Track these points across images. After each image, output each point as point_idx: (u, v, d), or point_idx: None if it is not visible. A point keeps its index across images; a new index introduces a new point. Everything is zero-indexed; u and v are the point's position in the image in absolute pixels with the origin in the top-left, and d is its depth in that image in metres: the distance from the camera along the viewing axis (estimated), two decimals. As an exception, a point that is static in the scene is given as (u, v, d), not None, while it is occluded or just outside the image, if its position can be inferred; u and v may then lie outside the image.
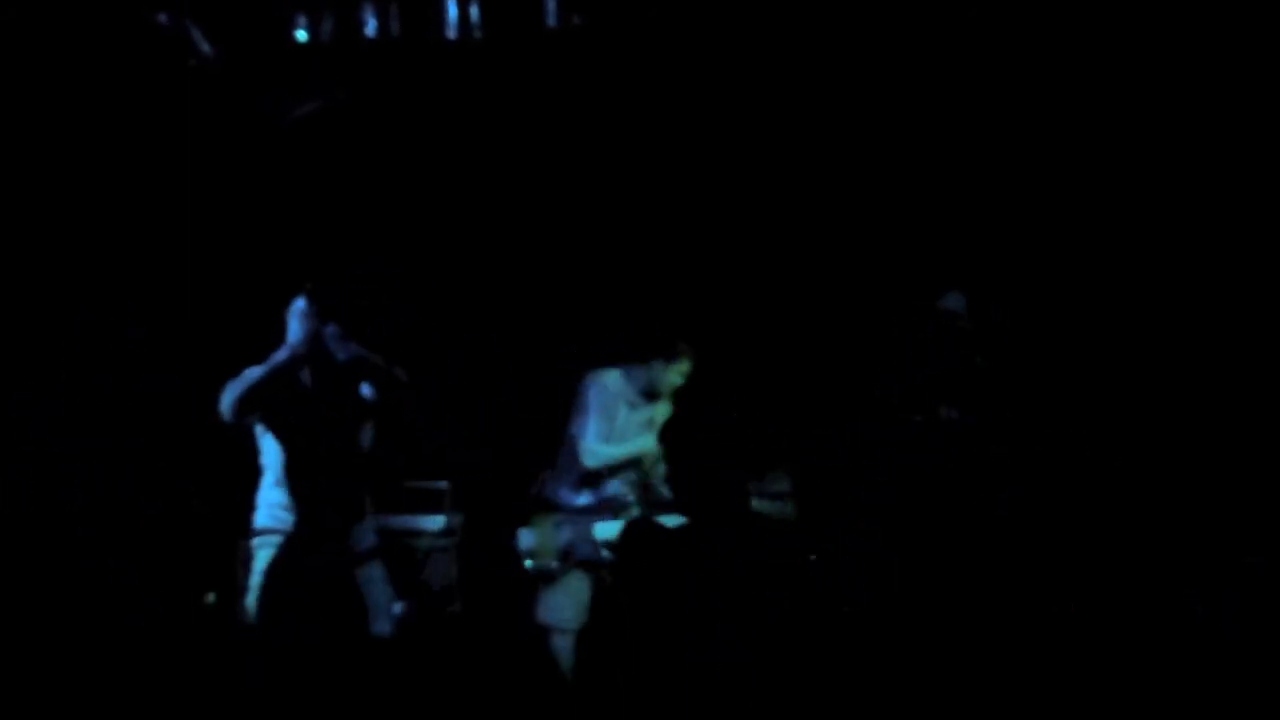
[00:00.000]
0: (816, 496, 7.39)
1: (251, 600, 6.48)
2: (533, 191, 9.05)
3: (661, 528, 6.83)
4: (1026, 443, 7.27)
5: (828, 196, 8.71)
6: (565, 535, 7.40)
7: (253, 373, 6.53)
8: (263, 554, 6.58)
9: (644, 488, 7.59)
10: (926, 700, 6.16)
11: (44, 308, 8.09)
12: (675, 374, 7.55)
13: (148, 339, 7.54)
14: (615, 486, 7.52)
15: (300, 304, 7.28)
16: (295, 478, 6.67)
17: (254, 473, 7.00)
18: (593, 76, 8.88)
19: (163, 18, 8.72)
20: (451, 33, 8.80)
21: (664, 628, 6.00)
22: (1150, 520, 7.05)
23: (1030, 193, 8.28)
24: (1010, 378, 7.46)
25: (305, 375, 7.22)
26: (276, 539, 6.52)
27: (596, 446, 7.46)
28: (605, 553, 7.29)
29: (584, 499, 7.53)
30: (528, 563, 7.44)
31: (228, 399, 6.48)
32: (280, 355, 7.27)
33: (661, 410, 7.69)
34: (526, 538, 7.46)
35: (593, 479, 7.55)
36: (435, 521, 8.41)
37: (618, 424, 7.56)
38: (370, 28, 8.83)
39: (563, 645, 7.20)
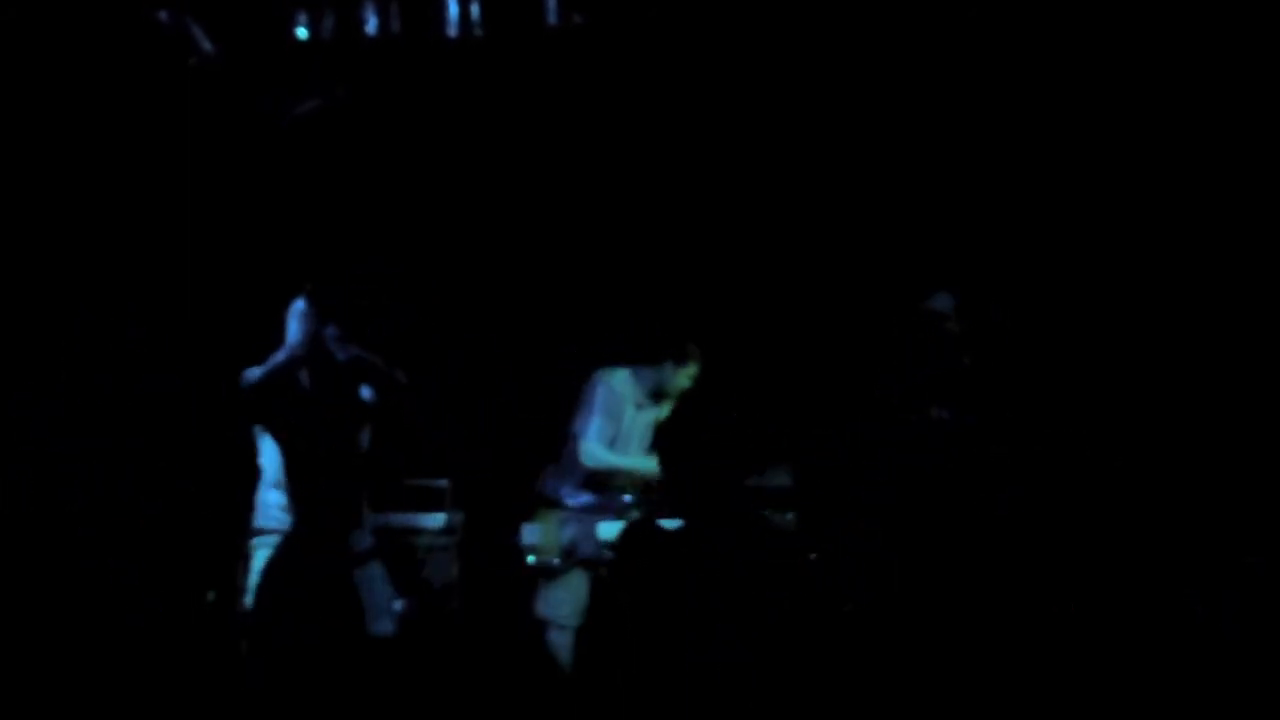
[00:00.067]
0: (816, 496, 7.39)
1: (250, 600, 6.48)
2: (533, 190, 9.05)
3: (661, 528, 6.84)
4: (1026, 443, 7.26)
5: (828, 195, 8.70)
6: (569, 533, 7.40)
7: (253, 373, 6.53)
8: (261, 554, 6.59)
9: (644, 488, 7.59)
10: (926, 700, 6.16)
11: (44, 308, 8.10)
12: (684, 376, 7.56)
13: (148, 339, 7.54)
14: (618, 491, 7.52)
15: (300, 305, 7.29)
16: (294, 479, 6.68)
17: (254, 472, 7.03)
18: (594, 75, 8.87)
19: (163, 16, 8.71)
20: (452, 31, 8.79)
21: (663, 627, 6.00)
22: (1150, 520, 7.05)
23: (1030, 193, 8.27)
24: (1010, 377, 7.46)
25: (304, 376, 7.24)
26: (275, 539, 6.52)
27: (597, 448, 7.46)
28: (608, 552, 7.29)
29: (586, 499, 7.53)
30: (530, 558, 7.43)
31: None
32: (279, 356, 7.28)
33: (667, 412, 7.70)
34: (530, 534, 7.45)
35: (595, 478, 7.55)
36: (436, 520, 8.42)
37: (624, 425, 7.56)
38: (371, 26, 8.83)
39: (561, 641, 7.21)
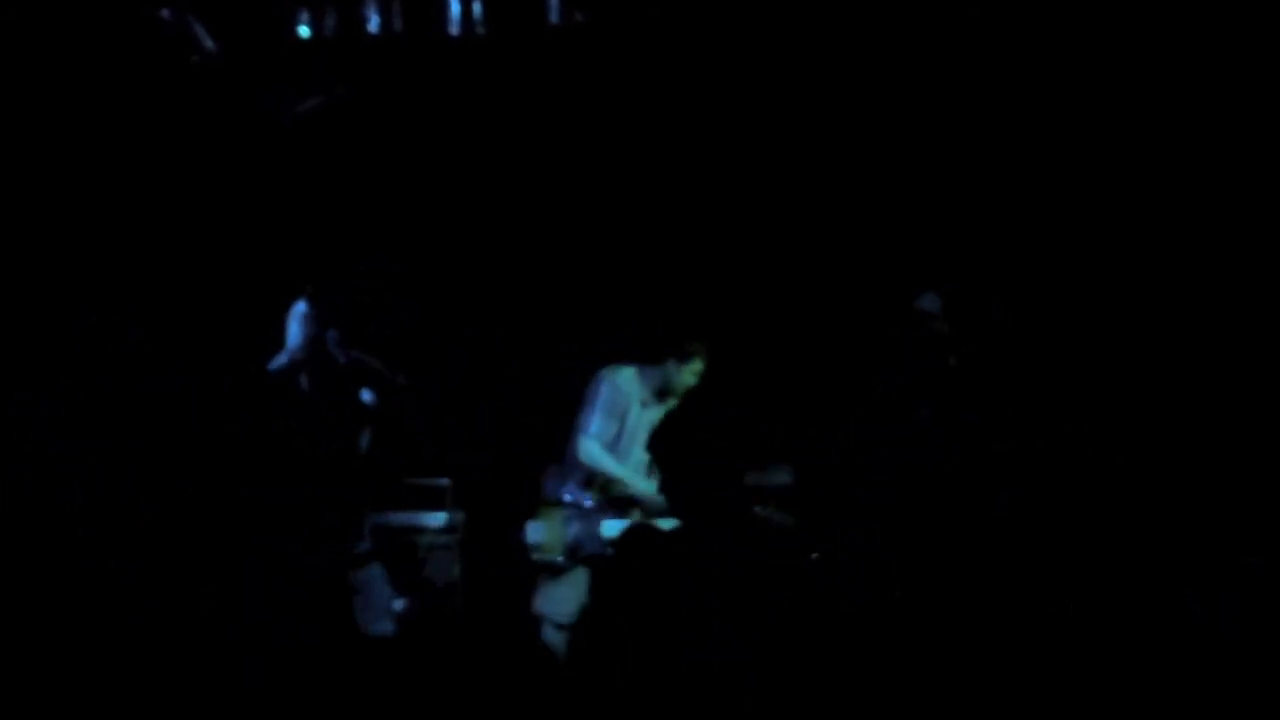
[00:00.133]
0: (816, 496, 7.39)
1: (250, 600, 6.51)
2: (535, 189, 9.04)
3: (660, 527, 6.84)
4: (1027, 442, 7.26)
5: (829, 195, 8.70)
6: (572, 530, 7.39)
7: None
8: None
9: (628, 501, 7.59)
10: (926, 700, 6.15)
11: (44, 308, 8.10)
12: (689, 374, 7.54)
13: (148, 339, 7.55)
14: (621, 489, 7.52)
15: (301, 307, 7.30)
16: (294, 479, 6.70)
17: (254, 471, 7.04)
18: (595, 74, 8.87)
19: (165, 14, 8.72)
20: (454, 29, 8.80)
21: (661, 626, 5.99)
22: (1150, 520, 7.04)
23: (1031, 192, 8.26)
24: (1011, 376, 7.46)
25: (304, 379, 7.26)
26: None
27: (595, 447, 7.45)
28: (611, 550, 7.29)
29: (589, 498, 7.52)
30: (534, 556, 7.43)
31: None
32: (280, 359, 7.30)
33: (672, 410, 7.70)
34: (534, 532, 7.44)
35: (596, 478, 7.55)
36: (437, 519, 8.42)
37: (628, 423, 7.55)
38: (373, 24, 8.83)
39: (560, 639, 7.21)
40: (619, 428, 7.51)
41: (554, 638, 7.25)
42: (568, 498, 7.47)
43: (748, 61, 8.54)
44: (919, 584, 6.90)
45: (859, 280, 8.47)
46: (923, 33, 8.30)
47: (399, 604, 7.72)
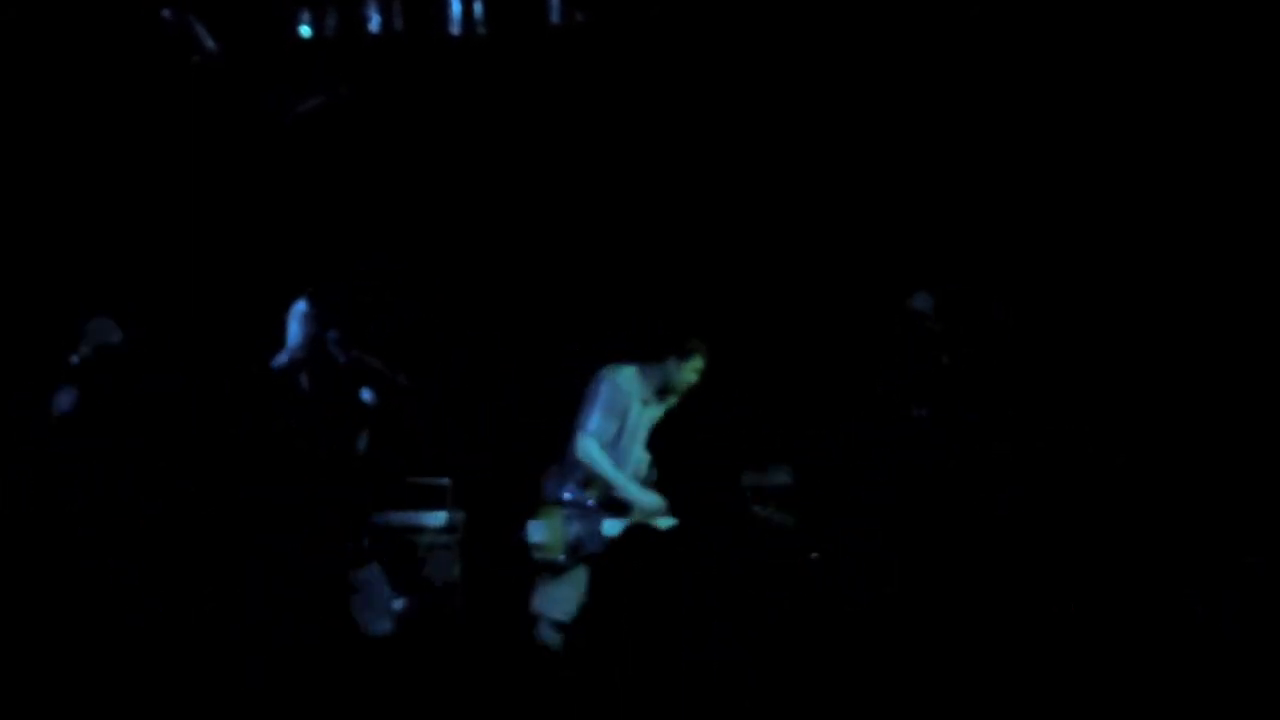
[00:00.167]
0: (816, 496, 7.39)
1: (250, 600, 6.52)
2: (536, 189, 9.05)
3: (659, 526, 6.84)
4: (1027, 441, 7.26)
5: (830, 194, 8.70)
6: (574, 529, 7.37)
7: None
8: None
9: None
10: (926, 700, 6.15)
11: (44, 307, 8.11)
12: (689, 371, 7.53)
13: (148, 339, 7.55)
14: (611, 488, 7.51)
15: (301, 306, 7.30)
16: (295, 479, 6.70)
17: (254, 471, 7.04)
18: (596, 73, 8.88)
19: (167, 13, 8.72)
20: (455, 29, 8.81)
21: (661, 626, 5.99)
22: (1150, 520, 7.04)
23: (1032, 191, 8.26)
24: (1011, 376, 7.46)
25: (304, 378, 7.26)
26: None
27: (593, 445, 7.43)
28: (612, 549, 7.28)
29: (590, 497, 7.52)
30: (536, 555, 7.42)
31: None
32: (280, 358, 7.30)
33: (672, 409, 7.69)
34: (536, 531, 7.43)
35: (596, 477, 7.54)
36: (437, 518, 8.42)
37: (629, 422, 7.54)
38: (374, 24, 8.84)
39: (558, 638, 7.21)
40: (619, 426, 7.50)
41: (552, 637, 7.24)
42: (568, 496, 7.46)
43: (747, 61, 8.53)
44: (919, 584, 6.90)
45: (859, 280, 8.46)
46: (922, 33, 8.30)
47: (399, 603, 7.73)
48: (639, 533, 6.47)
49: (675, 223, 8.86)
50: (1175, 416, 7.55)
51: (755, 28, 8.44)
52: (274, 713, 6.30)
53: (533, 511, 7.49)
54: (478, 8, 8.76)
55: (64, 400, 7.29)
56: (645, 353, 7.59)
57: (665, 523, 7.21)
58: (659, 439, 7.68)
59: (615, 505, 7.44)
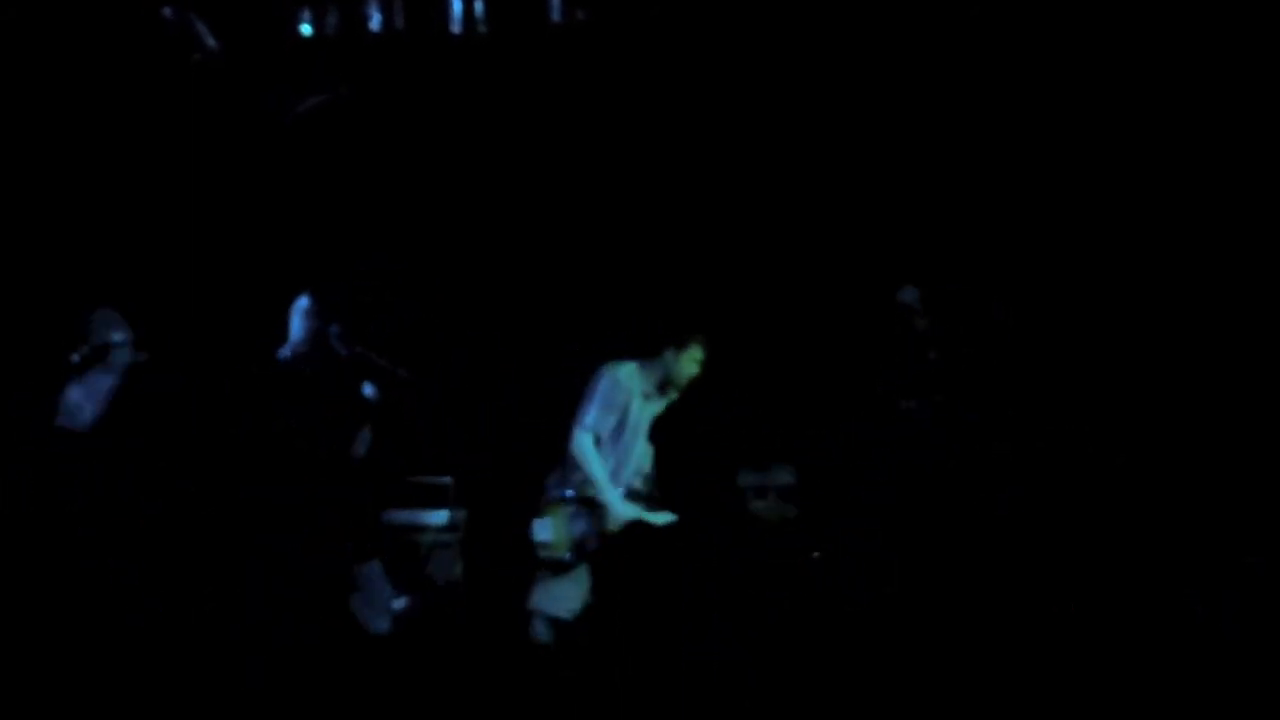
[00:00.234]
0: (817, 496, 7.39)
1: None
2: (537, 187, 9.04)
3: (659, 525, 6.85)
4: (1027, 441, 7.26)
5: (830, 193, 8.69)
6: (579, 527, 7.38)
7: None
8: None
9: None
10: (926, 700, 6.16)
11: (44, 307, 8.11)
12: (689, 363, 7.53)
13: (148, 339, 7.55)
14: (625, 484, 7.51)
15: (304, 302, 7.30)
16: (295, 477, 6.71)
17: (255, 470, 7.05)
18: (597, 72, 8.87)
19: (167, 12, 8.72)
20: (456, 28, 8.81)
21: (661, 625, 6.00)
22: (1150, 520, 7.04)
23: (1032, 191, 8.25)
24: (1012, 376, 7.46)
25: (307, 374, 7.26)
26: None
27: (587, 441, 7.43)
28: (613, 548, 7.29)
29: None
30: (541, 554, 7.42)
31: None
32: (283, 353, 7.31)
33: (671, 399, 7.69)
34: (541, 529, 7.43)
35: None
36: (439, 516, 8.42)
37: (630, 418, 7.54)
38: (375, 23, 8.84)
39: (556, 635, 7.22)
40: (619, 421, 7.51)
41: (545, 634, 7.25)
42: (572, 494, 7.47)
43: (748, 60, 8.53)
44: (919, 584, 6.91)
45: (859, 280, 8.46)
46: (923, 32, 8.30)
47: (400, 602, 7.74)
48: (639, 531, 6.49)
49: (676, 222, 8.85)
50: (1175, 416, 7.54)
51: (755, 27, 8.43)
52: (274, 713, 6.31)
53: (534, 510, 7.49)
54: (478, 6, 8.76)
55: (78, 403, 7.30)
56: (644, 348, 7.60)
57: (664, 519, 7.22)
58: (661, 440, 7.68)
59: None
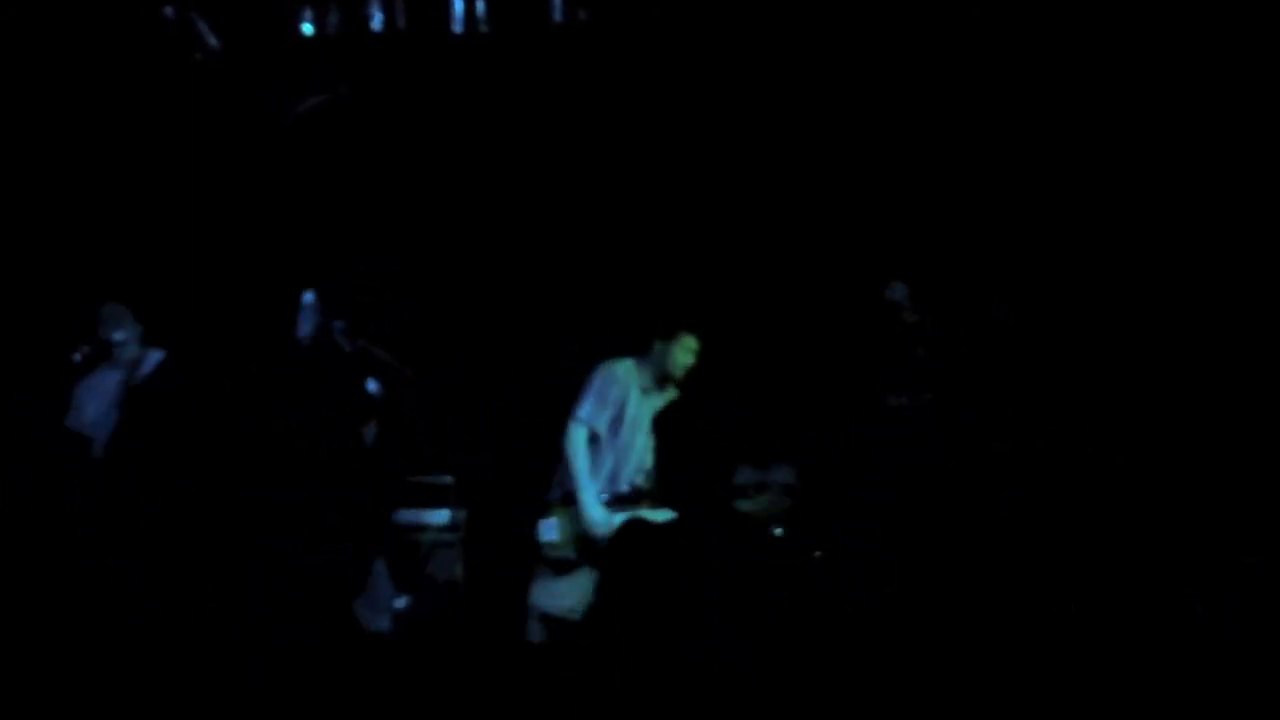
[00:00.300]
0: (817, 496, 7.39)
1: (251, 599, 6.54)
2: (538, 187, 9.04)
3: (657, 523, 6.85)
4: (1027, 440, 7.25)
5: (831, 192, 8.69)
6: (585, 527, 7.38)
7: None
8: None
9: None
10: (926, 700, 6.16)
11: (45, 307, 8.12)
12: (681, 352, 7.52)
13: (148, 339, 7.57)
14: (627, 480, 7.51)
15: (308, 298, 7.31)
16: (297, 479, 6.71)
17: (256, 469, 7.06)
18: (598, 72, 8.87)
19: (168, 11, 8.73)
20: (458, 28, 8.81)
21: (661, 624, 6.00)
22: (1150, 520, 7.04)
23: (1032, 191, 8.25)
24: (1011, 375, 7.45)
25: (311, 371, 7.27)
26: None
27: (579, 436, 7.43)
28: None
29: (603, 493, 7.51)
30: (549, 554, 7.41)
31: None
32: (287, 346, 7.32)
33: (670, 395, 7.69)
34: (548, 529, 7.43)
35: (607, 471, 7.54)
36: (440, 516, 8.42)
37: (629, 413, 7.54)
38: (376, 22, 8.84)
39: (559, 636, 7.22)
40: (616, 416, 7.50)
41: (538, 632, 7.26)
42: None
43: (749, 60, 8.53)
44: (919, 583, 6.90)
45: (858, 280, 8.45)
46: (924, 32, 8.30)
47: (401, 602, 7.74)
48: (638, 530, 6.49)
49: (678, 221, 8.85)
50: (1175, 416, 7.53)
51: (756, 26, 8.43)
52: (274, 713, 6.32)
53: (535, 510, 7.50)
54: (480, 6, 8.76)
55: (82, 400, 7.32)
56: (639, 344, 7.61)
57: (661, 516, 7.23)
58: (660, 439, 7.68)
59: (624, 501, 7.45)
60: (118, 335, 7.42)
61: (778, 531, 7.31)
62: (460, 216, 9.09)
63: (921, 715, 6.14)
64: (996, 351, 7.48)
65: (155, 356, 7.55)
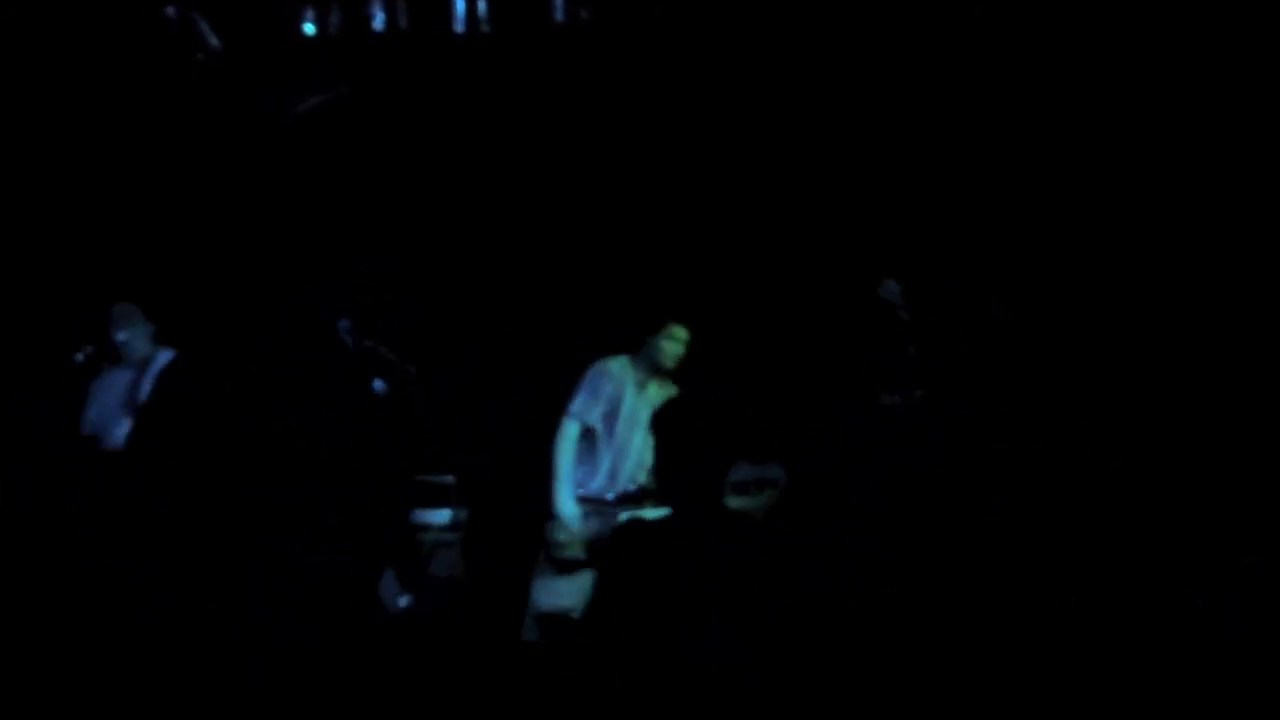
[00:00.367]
0: (812, 495, 7.39)
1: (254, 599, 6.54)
2: (540, 187, 9.04)
3: (656, 522, 6.84)
4: (1027, 440, 7.25)
5: (831, 192, 8.69)
6: (593, 525, 7.38)
7: None
8: None
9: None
10: (926, 700, 6.16)
11: (45, 306, 8.13)
12: (671, 343, 7.52)
13: (149, 338, 7.58)
14: (629, 479, 7.51)
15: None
16: (296, 479, 6.72)
17: (257, 469, 7.06)
18: (600, 72, 8.87)
19: (170, 11, 8.74)
20: (459, 27, 8.82)
21: (660, 624, 6.00)
22: (1150, 520, 7.03)
23: (1032, 190, 8.25)
24: (1011, 375, 7.45)
25: (314, 369, 7.27)
26: None
27: (572, 430, 7.43)
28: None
29: (610, 492, 7.52)
30: (557, 554, 7.41)
31: None
32: (285, 351, 7.32)
33: (669, 391, 7.69)
34: (556, 530, 7.43)
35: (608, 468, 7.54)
36: (441, 515, 8.43)
37: (625, 408, 7.54)
38: (378, 22, 8.85)
39: (559, 635, 7.22)
40: (611, 411, 7.50)
41: (535, 633, 7.25)
42: (583, 493, 7.47)
43: (749, 59, 8.53)
44: (919, 583, 6.90)
45: (859, 280, 8.45)
46: (925, 31, 8.30)
47: (403, 601, 7.75)
48: (637, 529, 6.49)
49: (678, 220, 8.85)
50: (1174, 416, 7.53)
51: (757, 26, 8.43)
52: (274, 713, 6.32)
53: (536, 509, 7.49)
54: (482, 6, 8.76)
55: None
56: (628, 344, 7.62)
57: (657, 514, 7.22)
58: (659, 439, 7.66)
59: (629, 500, 7.44)
60: (121, 335, 7.44)
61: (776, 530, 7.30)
62: (462, 216, 9.09)
63: (921, 715, 6.13)
64: (995, 350, 7.48)
65: (165, 355, 7.56)
